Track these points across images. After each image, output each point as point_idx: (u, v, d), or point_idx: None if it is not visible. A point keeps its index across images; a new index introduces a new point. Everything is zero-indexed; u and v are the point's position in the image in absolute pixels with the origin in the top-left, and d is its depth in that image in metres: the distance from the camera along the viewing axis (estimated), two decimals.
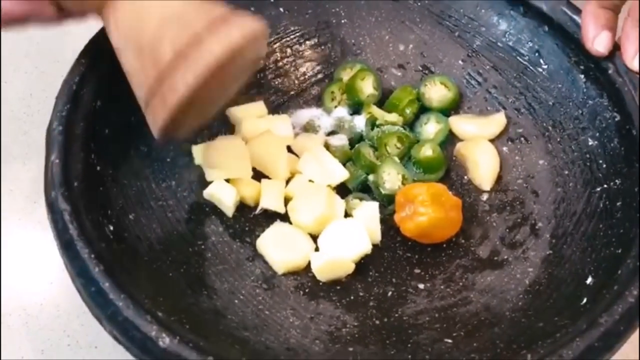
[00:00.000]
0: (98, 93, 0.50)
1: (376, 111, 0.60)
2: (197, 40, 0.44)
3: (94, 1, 0.46)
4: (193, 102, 0.45)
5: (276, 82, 0.62)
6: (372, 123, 0.59)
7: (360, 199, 0.56)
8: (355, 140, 0.60)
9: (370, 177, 0.57)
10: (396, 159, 0.58)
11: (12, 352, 0.52)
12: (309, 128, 0.61)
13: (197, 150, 0.56)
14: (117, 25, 0.46)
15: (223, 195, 0.54)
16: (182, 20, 0.45)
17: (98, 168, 0.49)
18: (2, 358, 0.52)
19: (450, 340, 0.48)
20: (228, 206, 0.54)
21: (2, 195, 0.60)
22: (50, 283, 0.55)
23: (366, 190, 0.58)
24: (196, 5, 0.46)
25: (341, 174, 0.56)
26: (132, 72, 0.47)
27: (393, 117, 0.60)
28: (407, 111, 0.61)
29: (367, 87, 0.61)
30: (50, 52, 0.69)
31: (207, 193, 0.54)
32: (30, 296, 0.55)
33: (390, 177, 0.56)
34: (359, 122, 0.60)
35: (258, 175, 0.57)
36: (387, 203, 0.56)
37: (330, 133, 0.60)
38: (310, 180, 0.56)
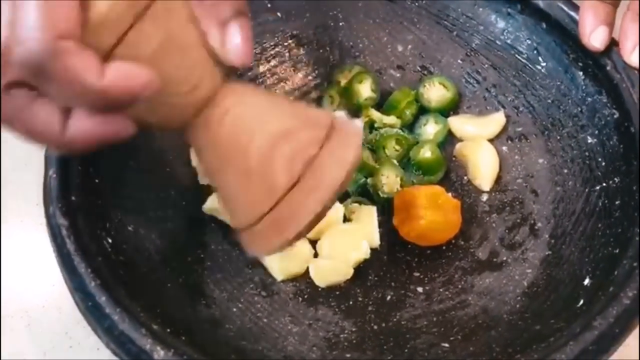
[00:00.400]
0: None
1: (374, 114, 0.60)
2: (315, 164, 0.39)
3: (184, 116, 0.39)
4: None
5: (275, 88, 0.63)
6: (371, 126, 0.59)
7: (359, 203, 0.57)
8: None
9: (369, 181, 0.57)
10: (395, 161, 0.58)
11: (14, 353, 0.53)
12: None
13: (193, 153, 0.57)
14: (214, 143, 0.40)
15: (223, 209, 0.55)
16: (294, 138, 0.40)
17: (96, 181, 0.50)
18: None
19: (447, 345, 0.48)
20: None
21: (3, 197, 0.61)
22: (52, 285, 0.56)
23: (365, 193, 0.58)
24: (301, 119, 0.41)
25: None
26: (234, 190, 0.41)
27: (391, 119, 0.60)
28: (406, 113, 0.61)
29: (365, 90, 0.61)
30: None
31: (207, 207, 0.55)
32: (32, 298, 0.56)
33: (389, 180, 0.57)
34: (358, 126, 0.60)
35: None
36: (386, 206, 0.56)
37: None
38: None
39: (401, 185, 0.56)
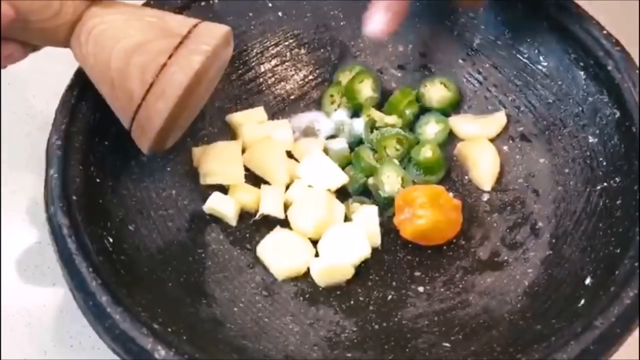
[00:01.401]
0: (96, 105, 0.51)
1: (375, 114, 0.60)
2: (163, 71, 0.46)
3: (59, 37, 0.47)
4: (172, 120, 0.48)
5: (276, 87, 0.63)
6: (372, 126, 0.59)
7: (361, 203, 0.57)
8: (355, 143, 0.60)
9: (370, 180, 0.57)
10: (396, 161, 0.58)
11: (15, 353, 0.53)
12: (309, 132, 0.61)
13: (195, 153, 0.57)
14: (85, 61, 0.48)
15: (223, 208, 0.55)
16: (144, 50, 0.46)
17: (97, 180, 0.50)
18: (5, 359, 0.53)
19: (448, 344, 0.48)
20: (230, 217, 0.55)
21: (4, 197, 0.61)
22: (53, 284, 0.56)
23: (366, 193, 0.58)
24: (156, 31, 0.47)
25: (340, 178, 0.57)
26: (110, 101, 0.49)
27: (392, 119, 0.60)
28: (407, 112, 0.61)
29: (366, 89, 0.61)
30: (52, 52, 0.69)
31: (207, 207, 0.55)
32: (33, 297, 0.56)
33: (390, 180, 0.57)
34: (359, 125, 0.60)
35: (258, 181, 0.57)
36: (387, 206, 0.56)
37: (330, 137, 0.61)
38: (309, 186, 0.56)
39: (402, 185, 0.56)
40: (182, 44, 0.46)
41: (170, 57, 0.46)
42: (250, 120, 0.60)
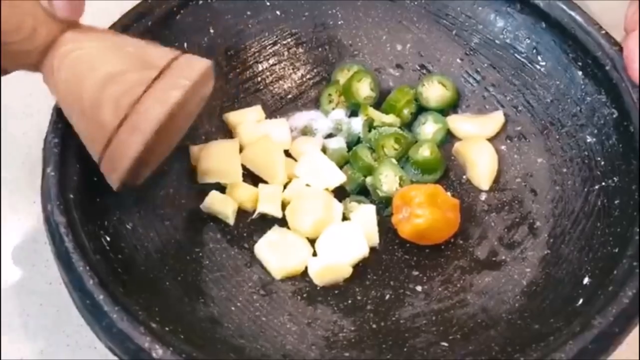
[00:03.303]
0: None
1: (373, 113, 0.60)
2: (138, 104, 0.44)
3: (30, 61, 0.45)
4: (145, 154, 0.45)
5: (274, 86, 0.62)
6: (370, 125, 0.59)
7: (358, 202, 0.56)
8: (353, 142, 0.60)
9: (368, 180, 0.57)
10: (394, 160, 0.58)
11: (12, 352, 0.53)
12: (306, 131, 0.61)
13: (193, 152, 0.57)
14: (56, 87, 0.46)
15: (221, 207, 0.55)
16: (120, 80, 0.44)
17: (94, 179, 0.50)
18: (1, 358, 0.53)
19: (446, 344, 0.48)
20: (228, 216, 0.55)
21: (1, 195, 0.61)
22: (50, 283, 0.56)
23: (365, 192, 0.58)
24: (133, 61, 0.45)
25: (338, 178, 0.56)
26: (79, 131, 0.47)
27: (390, 118, 0.60)
28: (405, 112, 0.60)
29: (364, 88, 0.61)
30: None
31: (205, 206, 0.55)
32: (30, 296, 0.56)
33: (388, 179, 0.56)
34: (357, 124, 0.60)
35: (255, 180, 0.57)
36: (385, 205, 0.56)
37: (328, 136, 0.61)
38: (307, 185, 0.56)
39: (400, 185, 0.56)
40: (161, 77, 0.44)
41: (147, 89, 0.44)
42: (247, 119, 0.60)
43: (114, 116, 0.44)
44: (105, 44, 0.46)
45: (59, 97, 0.46)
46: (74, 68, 0.45)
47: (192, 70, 0.46)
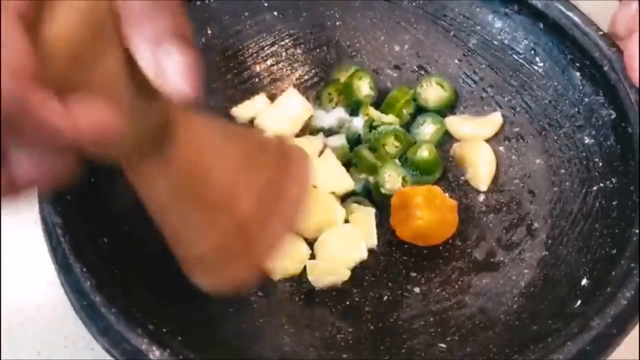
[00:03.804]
0: None
1: (373, 112, 0.60)
2: (278, 190, 0.39)
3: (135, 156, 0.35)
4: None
5: (272, 86, 0.62)
6: (370, 125, 0.59)
7: (359, 203, 0.56)
8: (353, 140, 0.60)
9: (371, 179, 0.57)
10: (397, 161, 0.58)
11: (9, 353, 0.53)
12: (309, 130, 0.61)
13: None
14: (166, 174, 0.37)
15: None
16: (253, 166, 0.39)
17: (92, 180, 0.49)
18: None
19: (444, 345, 0.48)
20: None
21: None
22: (47, 284, 0.56)
23: (367, 193, 0.57)
24: (259, 146, 0.41)
25: (346, 184, 0.56)
26: (191, 223, 0.39)
27: (390, 118, 0.60)
28: (404, 112, 0.60)
29: (364, 87, 0.61)
30: None
31: None
32: (27, 297, 0.56)
33: (391, 179, 0.56)
34: (357, 123, 0.60)
35: None
36: (384, 205, 0.56)
37: (329, 134, 0.60)
38: (314, 186, 0.56)
39: (403, 185, 0.56)
40: (288, 162, 0.40)
41: (279, 174, 0.40)
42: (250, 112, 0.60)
43: (249, 203, 0.38)
44: (221, 130, 0.40)
45: (169, 184, 0.37)
46: (197, 155, 0.37)
47: (304, 154, 0.42)
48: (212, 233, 0.39)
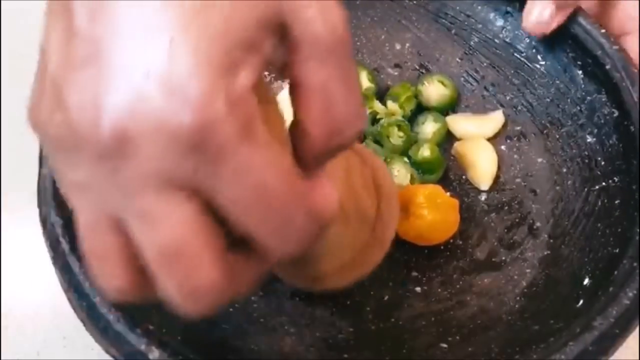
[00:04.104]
0: None
1: (377, 105, 0.60)
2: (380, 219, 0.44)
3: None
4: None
5: (272, 86, 0.62)
6: (373, 118, 0.59)
7: None
8: None
9: None
10: (405, 159, 0.58)
11: (8, 352, 0.53)
12: None
13: None
14: None
15: None
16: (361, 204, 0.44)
17: None
18: None
19: (445, 345, 0.48)
20: None
21: (0, 195, 0.61)
22: (47, 284, 0.56)
23: None
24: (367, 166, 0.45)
25: None
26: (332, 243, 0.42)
27: (394, 106, 0.59)
28: (406, 107, 0.60)
29: (363, 81, 0.61)
30: None
31: None
32: (27, 297, 0.56)
33: (400, 174, 0.56)
34: None
35: None
36: None
37: None
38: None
39: (411, 182, 0.56)
40: (381, 194, 0.45)
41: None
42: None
43: (375, 211, 0.44)
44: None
45: None
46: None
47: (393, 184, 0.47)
48: (356, 240, 0.44)
